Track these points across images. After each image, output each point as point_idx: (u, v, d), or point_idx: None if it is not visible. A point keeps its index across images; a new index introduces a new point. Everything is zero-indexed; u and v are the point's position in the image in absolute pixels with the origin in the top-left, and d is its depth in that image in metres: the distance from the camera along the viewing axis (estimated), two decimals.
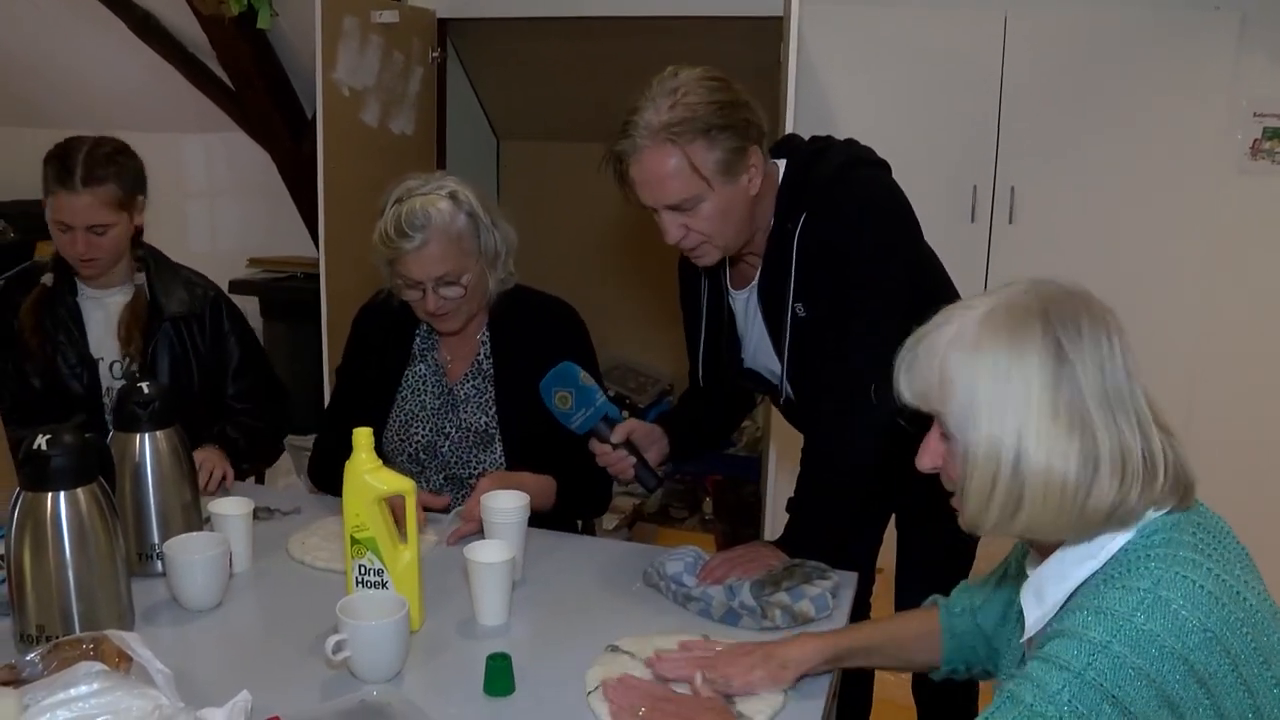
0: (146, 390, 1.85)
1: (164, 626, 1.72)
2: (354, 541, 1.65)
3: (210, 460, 2.24)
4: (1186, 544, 1.16)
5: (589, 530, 2.54)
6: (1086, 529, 1.18)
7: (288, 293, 4.52)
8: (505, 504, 1.89)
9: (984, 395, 1.16)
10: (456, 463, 2.24)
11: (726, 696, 1.49)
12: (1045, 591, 1.25)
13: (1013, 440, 1.15)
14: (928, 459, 1.26)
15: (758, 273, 1.92)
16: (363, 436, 1.64)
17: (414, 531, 1.66)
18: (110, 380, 2.37)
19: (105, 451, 1.77)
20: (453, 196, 2.11)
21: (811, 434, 1.91)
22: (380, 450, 2.27)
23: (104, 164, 2.27)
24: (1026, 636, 1.28)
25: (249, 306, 4.62)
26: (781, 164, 1.88)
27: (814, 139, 1.93)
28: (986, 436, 1.16)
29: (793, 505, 1.89)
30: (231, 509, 1.91)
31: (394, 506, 1.69)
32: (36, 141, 2.41)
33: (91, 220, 2.27)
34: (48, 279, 2.35)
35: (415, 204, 2.07)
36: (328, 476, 2.27)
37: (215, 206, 5.00)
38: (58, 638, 1.54)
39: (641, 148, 1.73)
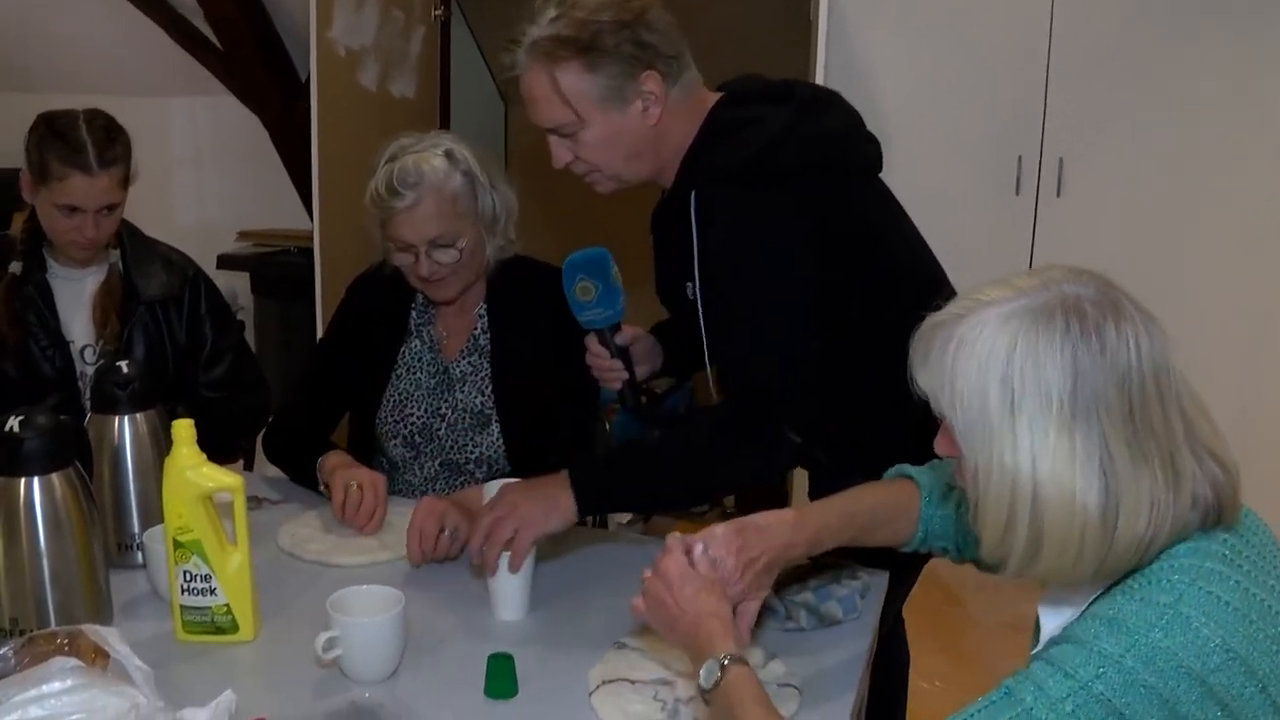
0: (126, 370, 1.86)
1: (144, 620, 1.73)
2: (177, 545, 1.62)
3: None
4: (1215, 554, 1.14)
5: (600, 523, 2.55)
6: (1109, 574, 1.16)
7: (280, 268, 4.54)
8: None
9: (994, 417, 1.12)
10: (453, 446, 2.24)
11: None
12: (1063, 598, 1.23)
13: (1027, 472, 1.11)
14: (942, 449, 1.23)
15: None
16: (183, 429, 1.61)
17: (244, 532, 1.63)
18: (83, 365, 2.38)
19: (82, 435, 1.78)
20: (448, 155, 2.11)
21: (710, 416, 1.86)
22: (374, 433, 2.28)
23: (111, 141, 2.28)
24: (1040, 647, 1.25)
25: (239, 283, 4.66)
26: (715, 98, 1.84)
27: (767, 88, 1.86)
28: (998, 466, 1.13)
29: (621, 451, 1.87)
30: None
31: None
32: (12, 107, 2.42)
33: (106, 202, 2.28)
34: (16, 268, 2.35)
35: (408, 161, 2.08)
36: (287, 456, 2.27)
37: (203, 176, 5.02)
38: (32, 631, 1.56)
39: (519, 65, 1.73)
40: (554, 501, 1.74)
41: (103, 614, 1.67)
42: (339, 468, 2.11)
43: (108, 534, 1.87)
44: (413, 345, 2.30)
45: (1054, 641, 1.18)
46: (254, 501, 2.15)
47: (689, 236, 1.78)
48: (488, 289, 2.28)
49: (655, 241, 1.97)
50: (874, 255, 1.83)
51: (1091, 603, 1.19)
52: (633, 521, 3.81)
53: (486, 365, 2.25)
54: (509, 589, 1.73)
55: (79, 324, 2.40)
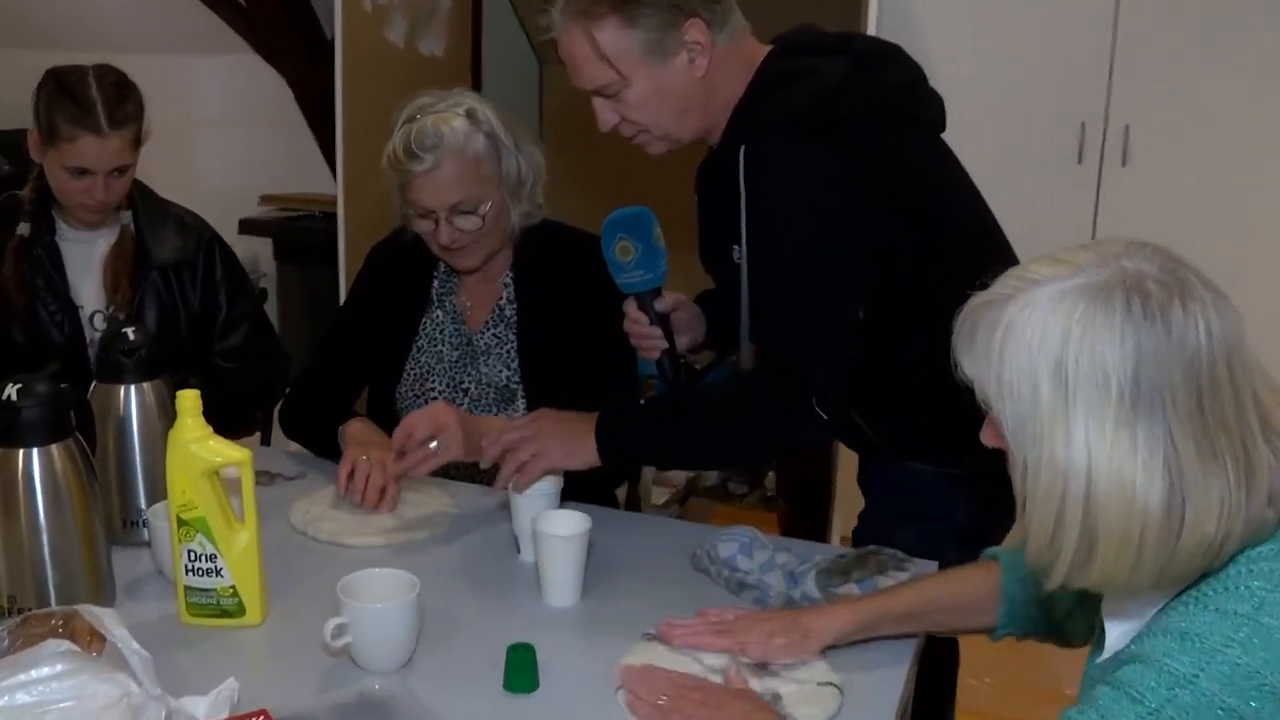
0: (132, 337, 1.82)
1: (148, 601, 1.70)
2: (181, 523, 1.58)
3: None
4: None
5: (633, 506, 2.50)
6: (1173, 580, 1.08)
7: (303, 233, 4.51)
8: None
9: (1045, 409, 1.05)
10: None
11: (774, 696, 1.44)
12: (1128, 605, 1.16)
13: (1081, 469, 1.04)
14: (988, 440, 1.16)
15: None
16: (188, 400, 1.57)
17: (252, 510, 1.60)
18: (93, 332, 2.35)
19: (84, 404, 1.75)
20: (470, 115, 2.06)
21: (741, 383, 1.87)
22: (394, 408, 2.24)
23: (123, 99, 2.24)
24: (1105, 656, 1.19)
25: (261, 249, 4.63)
26: (765, 50, 1.79)
27: (822, 40, 1.81)
28: (1048, 462, 1.05)
29: (649, 405, 1.90)
30: None
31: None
32: (30, 65, 2.38)
33: (117, 164, 2.25)
34: (24, 229, 2.32)
35: (427, 122, 2.03)
36: (305, 428, 2.26)
37: (226, 137, 4.99)
38: (30, 610, 1.53)
39: (555, 26, 1.71)
40: (578, 441, 1.78)
41: (104, 593, 1.64)
42: (355, 439, 2.08)
43: (111, 509, 1.83)
44: (435, 316, 2.25)
45: (1120, 660, 1.11)
46: (266, 477, 2.11)
47: (736, 195, 1.74)
48: (514, 256, 2.24)
49: (699, 203, 1.93)
50: (930, 214, 1.78)
51: (1160, 611, 1.12)
52: (669, 503, 3.77)
53: (512, 337, 2.21)
54: (562, 571, 1.69)
55: (89, 288, 2.37)
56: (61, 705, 1.14)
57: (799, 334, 1.72)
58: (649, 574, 1.81)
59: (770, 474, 4.19)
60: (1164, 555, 1.04)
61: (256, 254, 4.69)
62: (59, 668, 1.19)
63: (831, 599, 1.66)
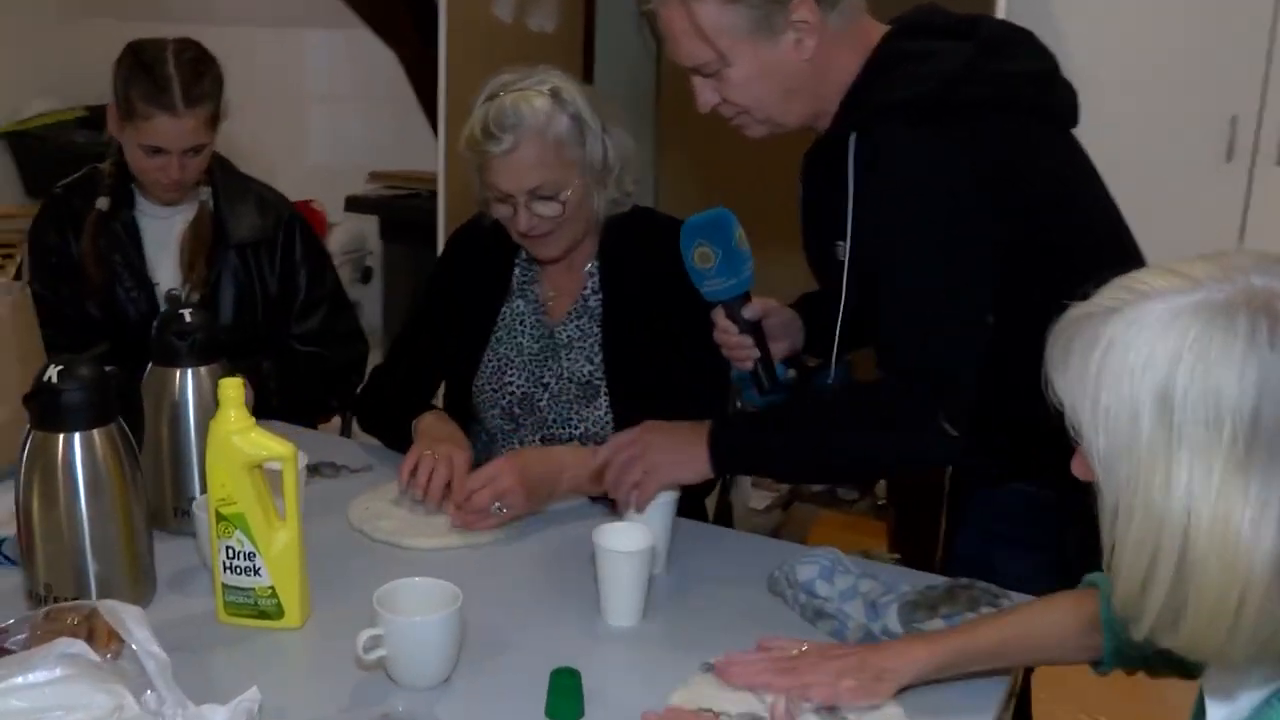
0: (189, 318, 1.79)
1: (191, 596, 1.66)
2: (220, 518, 1.54)
3: None
4: None
5: (724, 517, 2.39)
6: (1277, 658, 0.95)
7: (410, 212, 4.50)
8: None
9: (1145, 445, 0.92)
10: (555, 420, 2.12)
11: None
12: (1230, 682, 1.02)
13: (1179, 520, 0.90)
14: (1079, 472, 1.04)
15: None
16: (230, 389, 1.52)
17: (294, 508, 1.55)
18: None
19: (131, 387, 1.71)
20: (554, 94, 1.98)
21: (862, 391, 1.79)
22: (469, 402, 2.18)
23: (199, 77, 2.23)
24: None
25: (368, 227, 4.64)
26: (882, 30, 1.70)
27: (947, 22, 1.72)
28: (1142, 507, 0.92)
29: (766, 415, 1.82)
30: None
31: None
32: (143, 36, 2.36)
33: (192, 144, 2.23)
34: (103, 204, 2.31)
35: (507, 101, 1.96)
36: (381, 422, 2.22)
37: (337, 113, 5.03)
38: (68, 599, 1.52)
39: (655, 1, 1.64)
40: (689, 453, 1.72)
41: (143, 585, 1.62)
42: (425, 433, 2.03)
43: (164, 497, 1.82)
44: (515, 305, 2.19)
45: None
46: (331, 468, 2.08)
47: (843, 187, 1.65)
48: (600, 245, 2.16)
49: (804, 194, 1.84)
50: (1057, 211, 1.67)
51: (1266, 701, 0.98)
52: (769, 509, 3.65)
53: (596, 330, 2.13)
54: (621, 590, 1.61)
55: (166, 266, 2.36)
56: (51, 714, 1.10)
57: (926, 342, 1.63)
58: (721, 596, 1.71)
59: (882, 480, 4.04)
60: (1267, 627, 0.90)
61: (363, 232, 4.70)
62: (57, 672, 1.16)
63: (916, 634, 1.53)
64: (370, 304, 4.72)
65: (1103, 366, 0.94)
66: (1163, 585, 0.92)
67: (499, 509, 1.84)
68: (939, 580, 1.65)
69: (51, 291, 2.34)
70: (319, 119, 5.01)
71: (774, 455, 1.77)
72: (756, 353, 1.85)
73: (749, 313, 1.83)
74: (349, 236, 4.64)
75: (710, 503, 2.36)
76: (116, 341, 2.31)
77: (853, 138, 1.64)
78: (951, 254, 1.60)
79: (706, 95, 1.69)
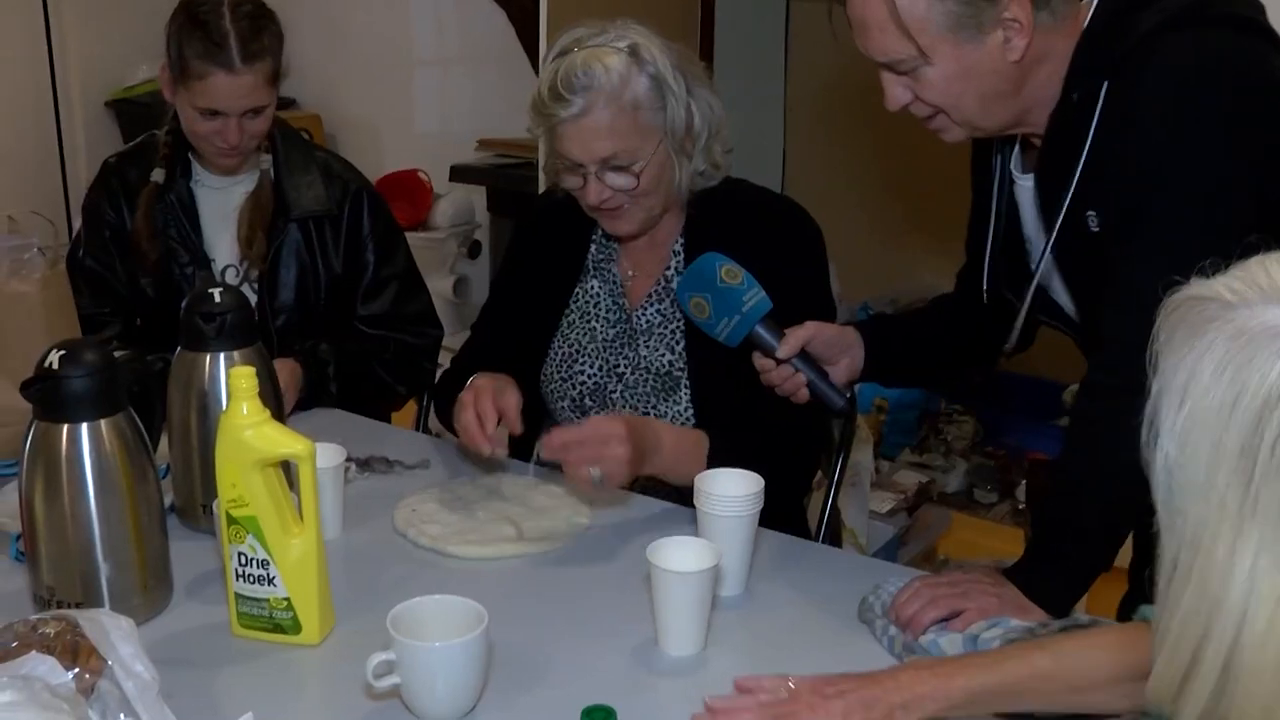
0: (218, 299, 1.72)
1: (212, 604, 1.59)
2: (230, 520, 1.47)
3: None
4: None
5: (831, 529, 2.25)
6: None
7: (520, 182, 4.41)
8: (727, 488, 1.64)
9: (1216, 501, 0.76)
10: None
11: None
12: None
13: (1237, 607, 0.75)
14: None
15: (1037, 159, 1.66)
16: (242, 379, 1.45)
17: (313, 511, 1.47)
18: None
19: (147, 374, 1.66)
20: (632, 51, 1.87)
21: (1074, 420, 1.63)
22: (538, 392, 2.09)
23: (258, 32, 2.17)
24: None
25: (476, 198, 4.58)
26: (1092, 6, 1.58)
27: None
28: (1199, 578, 0.76)
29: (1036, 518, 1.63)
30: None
31: None
32: None
33: (251, 104, 2.18)
34: (158, 175, 2.28)
35: (578, 59, 1.86)
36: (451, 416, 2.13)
37: (446, 77, 4.99)
38: (72, 604, 1.47)
39: None
40: (1017, 602, 1.52)
41: (156, 591, 1.57)
42: (471, 384, 1.92)
43: (193, 493, 1.77)
44: (589, 286, 2.09)
45: None
46: (384, 464, 2.01)
47: (1074, 154, 1.57)
48: (686, 221, 2.05)
49: (1001, 184, 1.76)
50: None
51: None
52: (894, 511, 3.48)
53: (679, 315, 2.02)
54: (678, 614, 1.49)
55: (224, 241, 2.31)
56: None
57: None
58: (800, 622, 1.59)
59: (1024, 482, 3.85)
60: None
61: (471, 204, 4.65)
62: (6, 696, 1.09)
63: None
64: (478, 281, 4.67)
65: (1194, 375, 0.78)
66: (1206, 681, 0.78)
67: (598, 477, 1.73)
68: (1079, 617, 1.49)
69: (105, 267, 2.31)
70: (425, 84, 4.98)
71: (1074, 561, 1.58)
72: (803, 379, 1.78)
73: (784, 350, 1.76)
74: (455, 208, 4.58)
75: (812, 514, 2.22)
76: (173, 322, 2.27)
77: (1104, 88, 1.54)
78: (1207, 221, 1.47)
79: (897, 93, 1.61)
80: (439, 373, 2.34)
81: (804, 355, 1.78)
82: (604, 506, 1.88)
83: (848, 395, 1.84)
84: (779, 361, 1.76)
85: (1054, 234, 1.64)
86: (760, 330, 1.76)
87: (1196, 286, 0.85)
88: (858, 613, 1.59)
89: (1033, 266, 1.74)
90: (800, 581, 1.70)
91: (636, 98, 1.88)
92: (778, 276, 1.88)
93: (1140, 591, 1.73)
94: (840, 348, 1.83)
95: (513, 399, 1.86)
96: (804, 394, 1.78)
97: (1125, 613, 1.74)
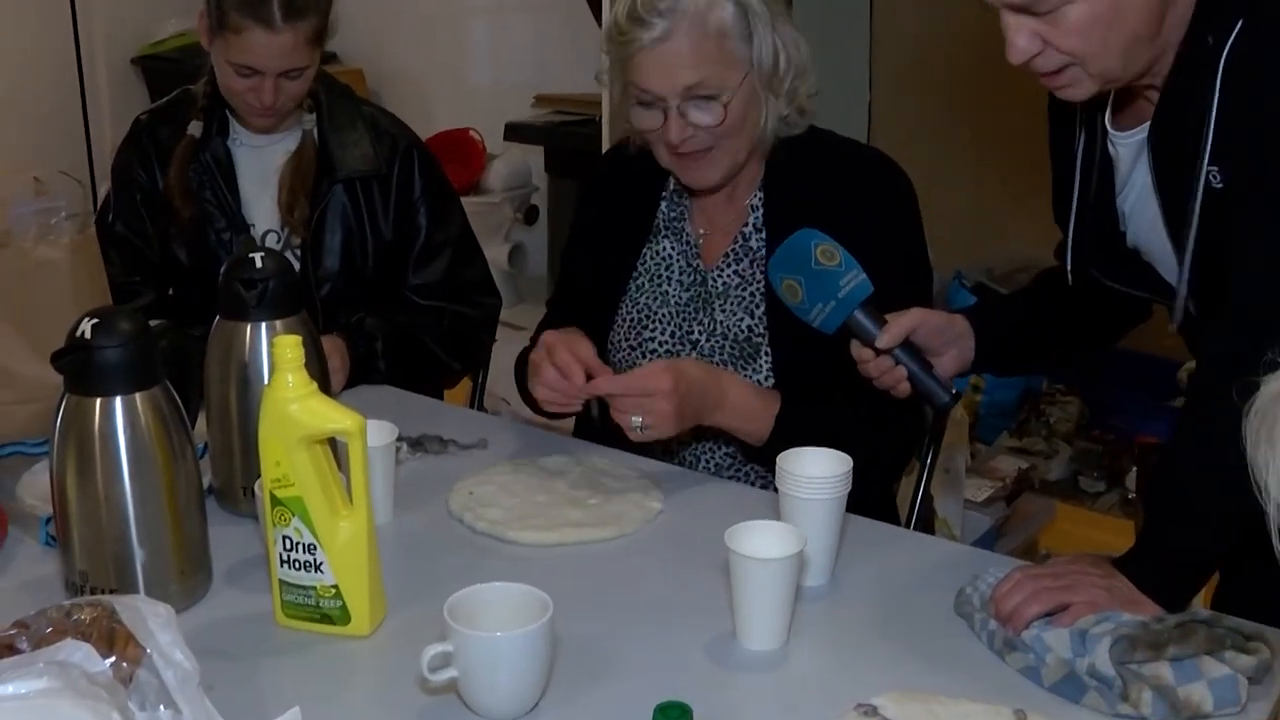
0: (260, 264, 1.73)
1: (254, 592, 1.61)
2: (275, 502, 1.48)
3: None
4: None
5: (924, 518, 2.24)
6: None
7: (580, 140, 4.41)
8: (812, 468, 1.64)
9: None
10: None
11: None
12: None
13: None
14: None
15: (1154, 109, 1.60)
16: (287, 348, 1.45)
17: (363, 492, 1.48)
18: None
19: (183, 345, 1.68)
20: None
21: (1191, 395, 1.62)
22: (607, 359, 2.10)
23: None
24: None
25: (533, 158, 4.60)
26: None
27: None
28: None
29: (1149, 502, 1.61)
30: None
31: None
32: None
33: (290, 64, 2.20)
34: (195, 128, 2.31)
35: None
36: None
37: (501, 27, 5.01)
38: (106, 590, 1.50)
39: None
40: (1128, 595, 1.51)
41: (194, 577, 1.59)
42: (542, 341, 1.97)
43: (233, 474, 1.79)
44: (660, 246, 2.11)
45: None
46: (438, 443, 2.04)
47: (1205, 103, 1.52)
48: (765, 172, 2.05)
49: (1116, 142, 1.71)
50: None
51: None
52: (991, 500, 3.46)
53: (759, 276, 2.03)
54: (758, 605, 1.50)
55: (264, 204, 2.34)
56: None
57: None
58: (892, 615, 1.59)
59: (1135, 470, 3.81)
60: None
61: (527, 165, 4.66)
62: (42, 683, 1.11)
63: (1130, 679, 1.37)
64: (535, 249, 4.70)
65: None
66: None
67: (640, 426, 1.81)
68: (1194, 613, 1.47)
69: (136, 233, 2.34)
70: (478, 35, 4.99)
71: (1207, 540, 1.55)
72: (904, 372, 1.77)
73: (884, 340, 1.75)
74: (510, 169, 4.59)
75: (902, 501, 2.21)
76: (209, 290, 2.30)
77: (1234, 33, 1.49)
78: None
79: (1023, 41, 1.53)
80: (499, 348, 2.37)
81: (907, 345, 1.76)
82: (677, 490, 1.89)
83: (954, 391, 1.81)
84: (879, 352, 1.75)
85: (1198, 190, 1.58)
86: (859, 317, 1.75)
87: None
88: (954, 605, 1.59)
89: (1129, 237, 1.72)
90: (891, 571, 1.70)
91: (723, 24, 1.89)
92: (867, 231, 1.90)
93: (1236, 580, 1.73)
94: (947, 337, 1.82)
95: (587, 346, 1.91)
96: (905, 387, 1.77)
97: (1219, 603, 1.72)
